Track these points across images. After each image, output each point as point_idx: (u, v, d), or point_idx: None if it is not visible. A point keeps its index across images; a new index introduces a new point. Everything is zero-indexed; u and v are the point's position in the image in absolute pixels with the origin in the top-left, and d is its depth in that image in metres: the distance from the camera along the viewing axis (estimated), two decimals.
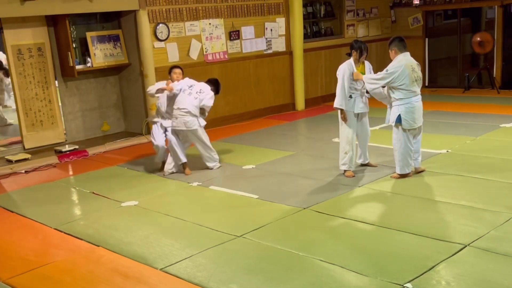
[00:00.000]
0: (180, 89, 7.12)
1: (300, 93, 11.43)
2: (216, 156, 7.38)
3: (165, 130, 7.31)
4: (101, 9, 8.86)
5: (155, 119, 7.47)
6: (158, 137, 7.28)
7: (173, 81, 7.27)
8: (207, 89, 7.21)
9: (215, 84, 7.34)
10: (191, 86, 7.17)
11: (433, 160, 6.94)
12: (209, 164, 7.32)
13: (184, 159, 7.18)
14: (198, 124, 7.07)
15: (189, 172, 7.19)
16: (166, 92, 7.22)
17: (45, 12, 8.28)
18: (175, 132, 7.17)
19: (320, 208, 5.60)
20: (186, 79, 7.32)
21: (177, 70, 7.37)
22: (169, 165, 7.25)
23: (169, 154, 7.27)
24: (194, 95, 7.08)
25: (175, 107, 7.10)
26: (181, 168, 7.27)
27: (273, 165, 7.38)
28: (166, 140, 7.29)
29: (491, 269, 4.09)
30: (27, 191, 7.03)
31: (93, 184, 7.05)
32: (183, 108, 7.01)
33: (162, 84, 7.34)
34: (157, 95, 7.36)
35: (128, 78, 9.77)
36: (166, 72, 9.20)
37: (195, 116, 7.04)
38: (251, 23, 10.69)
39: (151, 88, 7.44)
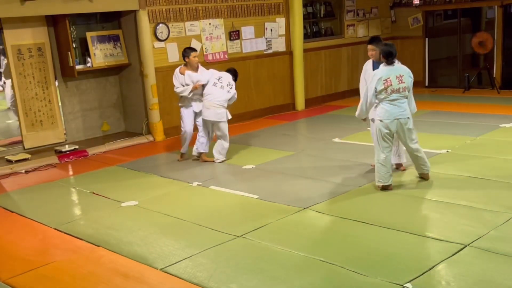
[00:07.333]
0: (208, 81, 7.36)
1: (300, 93, 11.43)
2: (226, 151, 7.62)
3: (195, 115, 7.60)
4: (101, 9, 8.85)
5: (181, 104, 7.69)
6: (187, 123, 7.59)
7: (192, 65, 7.46)
8: (232, 81, 7.49)
9: (234, 74, 7.60)
10: (219, 78, 7.39)
11: (433, 160, 6.93)
12: (217, 156, 7.56)
13: (205, 150, 7.61)
14: (226, 116, 7.39)
15: (206, 159, 7.63)
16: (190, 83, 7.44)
17: (45, 12, 8.28)
18: (203, 122, 7.48)
19: (320, 208, 5.60)
20: (212, 70, 7.62)
21: (196, 54, 7.56)
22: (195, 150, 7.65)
23: (198, 138, 7.60)
24: (226, 88, 7.37)
25: (207, 97, 7.32)
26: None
27: (273, 165, 7.38)
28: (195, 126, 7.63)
29: (491, 269, 4.09)
30: (27, 191, 7.03)
31: (93, 184, 7.05)
32: (217, 101, 7.28)
33: (187, 78, 7.45)
34: (190, 95, 7.50)
35: (128, 78, 9.76)
36: (166, 72, 9.23)
37: (225, 108, 7.37)
38: (251, 23, 10.69)
39: (183, 91, 7.45)
